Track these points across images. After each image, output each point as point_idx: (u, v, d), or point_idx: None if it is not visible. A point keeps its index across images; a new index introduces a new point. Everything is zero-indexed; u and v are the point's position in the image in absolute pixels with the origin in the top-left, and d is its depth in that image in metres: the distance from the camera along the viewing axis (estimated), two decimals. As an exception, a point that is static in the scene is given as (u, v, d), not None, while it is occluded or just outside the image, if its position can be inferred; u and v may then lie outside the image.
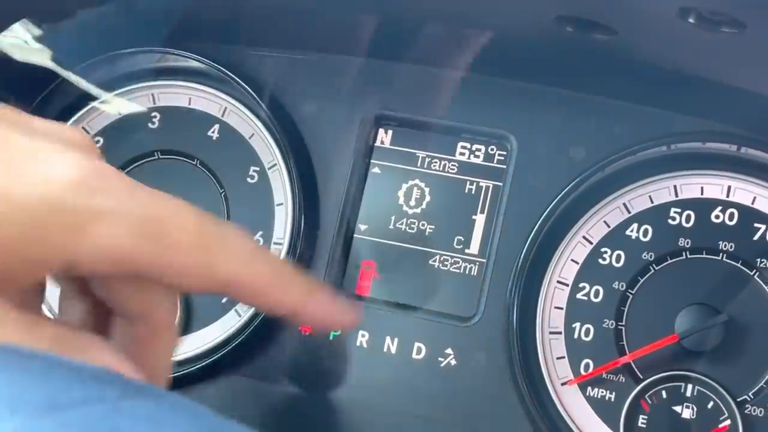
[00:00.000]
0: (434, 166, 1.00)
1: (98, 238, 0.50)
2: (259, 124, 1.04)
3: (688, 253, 0.93)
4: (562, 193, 0.94)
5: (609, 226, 0.95)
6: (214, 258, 0.55)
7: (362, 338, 0.98)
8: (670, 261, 0.93)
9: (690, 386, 0.90)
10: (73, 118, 1.09)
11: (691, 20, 0.74)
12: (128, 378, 0.44)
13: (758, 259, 0.92)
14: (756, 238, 0.92)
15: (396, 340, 0.97)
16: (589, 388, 0.93)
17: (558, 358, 0.94)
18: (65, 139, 0.53)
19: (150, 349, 0.58)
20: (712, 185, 0.94)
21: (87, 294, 0.59)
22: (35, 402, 0.36)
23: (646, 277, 0.93)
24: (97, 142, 1.07)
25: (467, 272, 0.98)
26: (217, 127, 1.06)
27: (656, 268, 0.93)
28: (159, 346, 0.59)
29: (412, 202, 1.00)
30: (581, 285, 0.95)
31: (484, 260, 0.97)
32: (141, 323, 0.58)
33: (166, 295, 0.58)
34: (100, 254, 0.50)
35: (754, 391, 0.89)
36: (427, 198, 1.00)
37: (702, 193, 0.94)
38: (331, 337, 0.99)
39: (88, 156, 0.51)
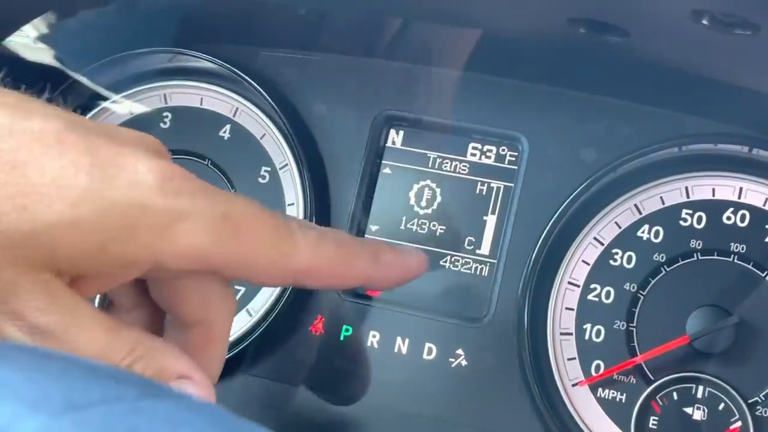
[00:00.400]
0: (445, 166, 1.00)
1: (182, 236, 0.53)
2: (271, 125, 1.04)
3: (699, 254, 0.93)
4: (574, 194, 0.94)
5: (620, 227, 0.95)
6: (285, 251, 0.58)
7: (373, 339, 0.98)
8: (681, 262, 0.93)
9: (701, 388, 0.90)
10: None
11: (704, 22, 0.74)
12: (144, 378, 0.45)
13: (770, 261, 0.92)
14: (767, 239, 0.92)
15: (407, 340, 0.97)
16: (600, 389, 0.93)
17: (569, 359, 0.94)
18: (144, 143, 0.56)
19: (202, 356, 0.61)
20: (723, 187, 0.94)
21: (141, 306, 0.61)
22: (55, 401, 0.37)
23: (657, 278, 0.93)
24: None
25: (478, 273, 0.98)
26: (228, 127, 1.06)
27: (667, 270, 0.93)
28: (211, 354, 0.62)
29: (423, 203, 1.00)
30: (592, 286, 0.95)
31: (495, 261, 0.97)
32: (198, 330, 0.61)
33: (226, 303, 0.61)
34: (184, 252, 0.54)
35: (765, 392, 0.89)
36: (438, 199, 1.00)
37: (713, 195, 0.94)
38: (341, 338, 0.99)
39: (163, 158, 0.55)
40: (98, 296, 0.63)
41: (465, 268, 0.98)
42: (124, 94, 1.09)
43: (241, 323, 1.00)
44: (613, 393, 0.92)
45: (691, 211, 0.94)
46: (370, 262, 0.65)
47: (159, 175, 0.53)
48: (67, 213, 0.50)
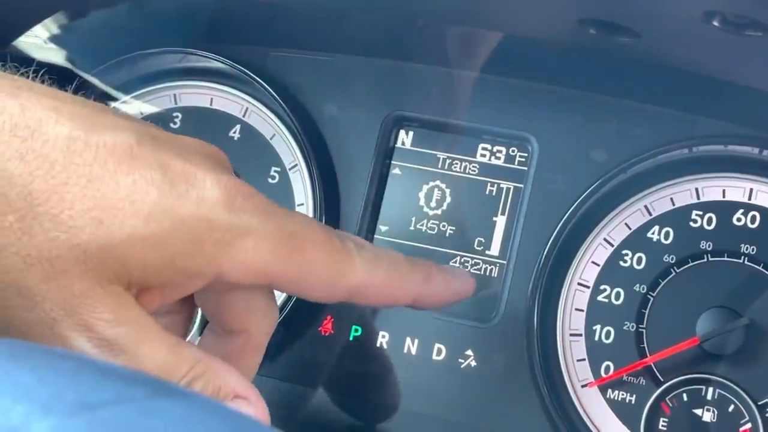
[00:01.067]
0: (455, 167, 1.00)
1: (246, 251, 0.55)
2: (281, 125, 1.05)
3: (709, 255, 0.93)
4: (583, 195, 0.94)
5: (630, 228, 0.95)
6: (341, 269, 0.60)
7: (382, 339, 0.98)
8: (691, 264, 0.93)
9: (711, 389, 0.90)
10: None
11: (715, 23, 0.74)
12: (156, 378, 0.45)
13: (780, 263, 0.91)
14: (778, 241, 0.92)
15: (416, 341, 0.97)
16: (610, 391, 0.93)
17: (578, 360, 0.94)
18: (209, 155, 0.58)
19: (239, 363, 0.62)
20: (733, 188, 0.94)
21: (174, 312, 0.64)
22: (68, 401, 0.37)
23: (667, 279, 0.93)
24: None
25: (488, 273, 0.98)
26: (238, 127, 1.07)
27: (677, 271, 0.93)
28: (249, 362, 0.64)
29: (433, 204, 1.00)
30: (602, 287, 0.95)
31: (505, 262, 0.97)
32: (239, 338, 0.63)
33: (270, 314, 0.63)
34: (246, 266, 0.56)
35: (775, 394, 0.89)
36: (448, 199, 1.00)
37: (724, 196, 0.94)
38: (351, 338, 0.99)
39: (228, 172, 0.57)
40: None
41: (475, 269, 0.98)
42: (134, 94, 1.10)
43: (250, 323, 1.00)
44: (622, 394, 0.92)
45: (701, 213, 0.94)
46: (421, 282, 0.67)
47: (225, 190, 0.55)
48: (141, 228, 0.51)
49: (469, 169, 1.00)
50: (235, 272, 0.55)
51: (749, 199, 0.93)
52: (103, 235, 0.51)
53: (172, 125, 1.08)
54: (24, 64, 0.63)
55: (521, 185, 0.98)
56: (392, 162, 1.02)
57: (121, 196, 0.51)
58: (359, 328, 0.99)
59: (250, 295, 0.61)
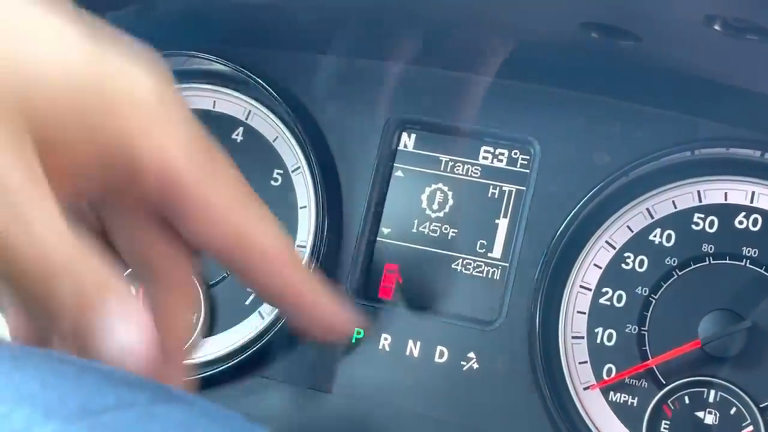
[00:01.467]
0: (457, 170, 1.00)
1: (161, 137, 0.51)
2: (283, 127, 1.05)
3: (711, 258, 0.93)
4: (586, 197, 0.94)
5: (632, 231, 0.95)
6: (244, 215, 0.55)
7: (384, 341, 0.98)
8: (693, 266, 0.93)
9: (713, 392, 0.90)
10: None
11: (716, 27, 0.74)
12: (158, 383, 0.45)
13: (782, 265, 0.91)
14: (780, 244, 0.92)
15: (418, 343, 0.97)
16: (612, 393, 0.93)
17: (580, 363, 0.94)
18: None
19: (169, 317, 0.57)
20: (735, 191, 0.94)
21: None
22: (70, 407, 0.37)
23: (669, 282, 0.93)
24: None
25: (490, 276, 0.98)
26: (241, 130, 1.07)
27: (679, 274, 0.93)
28: (178, 313, 0.58)
29: (435, 206, 1.00)
30: (604, 290, 0.95)
31: (507, 264, 0.97)
32: (159, 282, 0.57)
33: (183, 251, 0.57)
34: (160, 153, 0.51)
35: (777, 397, 0.89)
36: (450, 202, 1.00)
37: (726, 199, 0.94)
38: (353, 340, 0.99)
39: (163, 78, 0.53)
40: None
41: (477, 272, 0.98)
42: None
43: (253, 326, 1.01)
44: (624, 397, 0.92)
45: (703, 215, 0.94)
46: (306, 284, 0.59)
47: (158, 76, 0.52)
48: (57, 60, 0.47)
49: (472, 171, 1.00)
50: (146, 158, 0.50)
51: (751, 202, 0.93)
52: (13, 57, 0.45)
53: (175, 128, 1.08)
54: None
55: (523, 188, 0.98)
56: (395, 164, 1.02)
57: (42, 26, 0.47)
58: (361, 331, 0.99)
59: (160, 231, 0.55)
